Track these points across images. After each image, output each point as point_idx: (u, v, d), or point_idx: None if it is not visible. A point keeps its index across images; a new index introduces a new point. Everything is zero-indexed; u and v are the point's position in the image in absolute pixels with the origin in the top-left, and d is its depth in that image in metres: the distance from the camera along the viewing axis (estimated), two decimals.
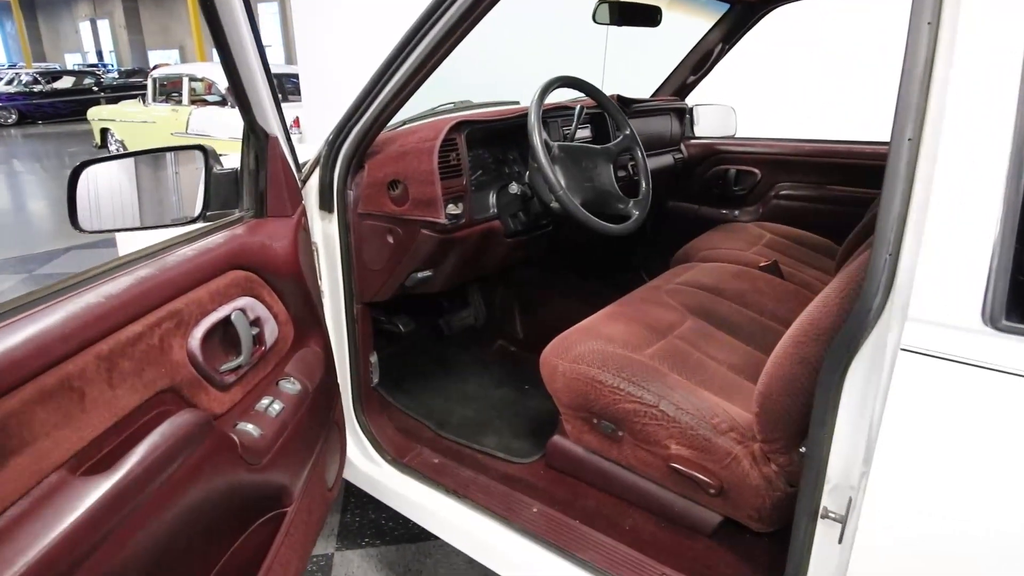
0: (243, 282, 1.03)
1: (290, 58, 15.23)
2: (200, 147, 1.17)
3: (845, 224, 2.32)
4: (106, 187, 1.19)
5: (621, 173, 1.64)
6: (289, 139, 1.23)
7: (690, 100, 2.61)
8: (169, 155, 1.18)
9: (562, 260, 2.46)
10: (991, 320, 0.68)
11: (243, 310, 1.00)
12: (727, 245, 2.13)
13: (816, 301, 0.99)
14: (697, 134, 2.60)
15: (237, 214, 1.17)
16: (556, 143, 1.46)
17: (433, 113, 1.86)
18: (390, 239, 1.43)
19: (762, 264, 1.91)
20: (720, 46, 2.34)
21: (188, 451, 0.78)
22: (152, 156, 1.19)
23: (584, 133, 1.94)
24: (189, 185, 1.18)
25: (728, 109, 2.64)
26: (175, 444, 0.76)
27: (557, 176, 1.37)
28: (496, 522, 1.36)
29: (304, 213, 1.29)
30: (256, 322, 1.05)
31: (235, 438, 0.91)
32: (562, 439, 1.45)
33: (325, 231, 1.44)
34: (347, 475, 1.58)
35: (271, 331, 1.09)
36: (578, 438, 1.37)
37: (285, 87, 6.72)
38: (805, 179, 2.43)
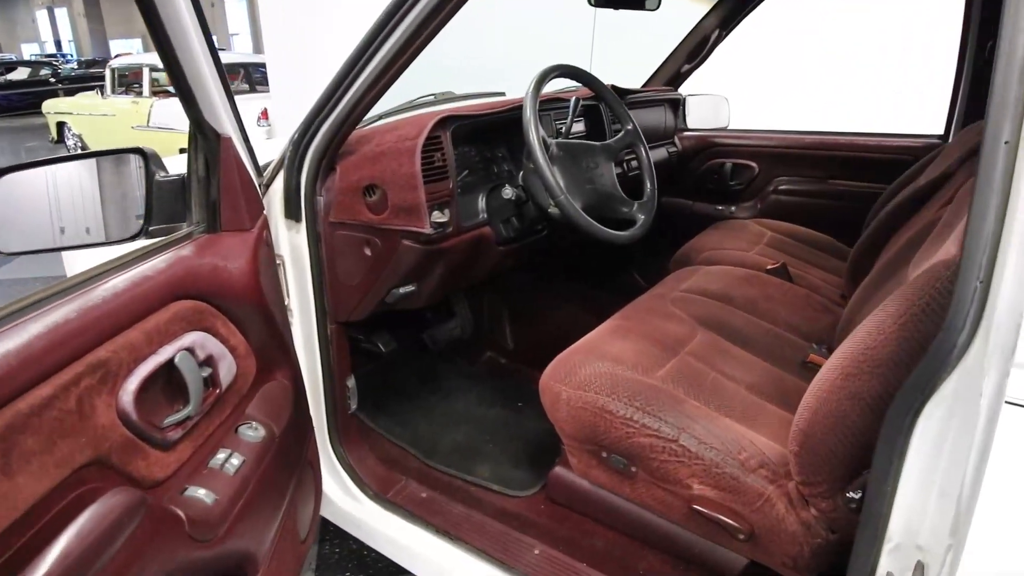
0: (190, 315, 0.86)
1: (259, 47, 14.76)
2: (139, 150, 0.99)
3: (848, 220, 2.21)
4: (28, 200, 1.00)
5: (617, 170, 1.50)
6: (246, 138, 1.05)
7: (682, 90, 2.47)
8: (101, 160, 1.00)
9: (552, 263, 2.31)
10: None
11: (190, 349, 0.83)
12: (729, 245, 2.00)
13: (867, 327, 0.85)
14: (690, 126, 2.47)
15: (185, 230, 0.99)
16: (554, 140, 1.30)
17: (412, 106, 1.69)
18: (367, 251, 1.26)
19: (769, 267, 1.78)
20: (717, 32, 2.19)
21: (113, 546, 0.61)
22: (82, 162, 1.00)
23: (578, 127, 1.78)
24: (127, 196, 1.00)
25: (721, 99, 2.50)
26: (95, 541, 0.59)
27: (556, 178, 1.21)
28: (493, 566, 1.21)
29: (266, 224, 1.11)
30: (208, 361, 0.88)
31: (180, 512, 0.74)
32: (565, 471, 1.31)
33: (292, 242, 1.27)
34: (325, 512, 1.42)
35: (227, 369, 0.92)
36: (585, 472, 1.22)
37: (253, 77, 6.44)
38: (805, 173, 2.31)
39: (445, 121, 1.30)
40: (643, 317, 1.44)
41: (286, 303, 1.32)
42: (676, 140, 2.40)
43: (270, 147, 1.26)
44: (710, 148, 2.44)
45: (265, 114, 5.34)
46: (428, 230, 1.20)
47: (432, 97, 1.77)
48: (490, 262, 1.49)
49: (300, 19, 4.30)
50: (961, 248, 0.80)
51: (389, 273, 1.29)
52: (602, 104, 1.79)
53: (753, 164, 2.38)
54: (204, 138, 0.96)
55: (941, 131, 2.09)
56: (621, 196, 1.41)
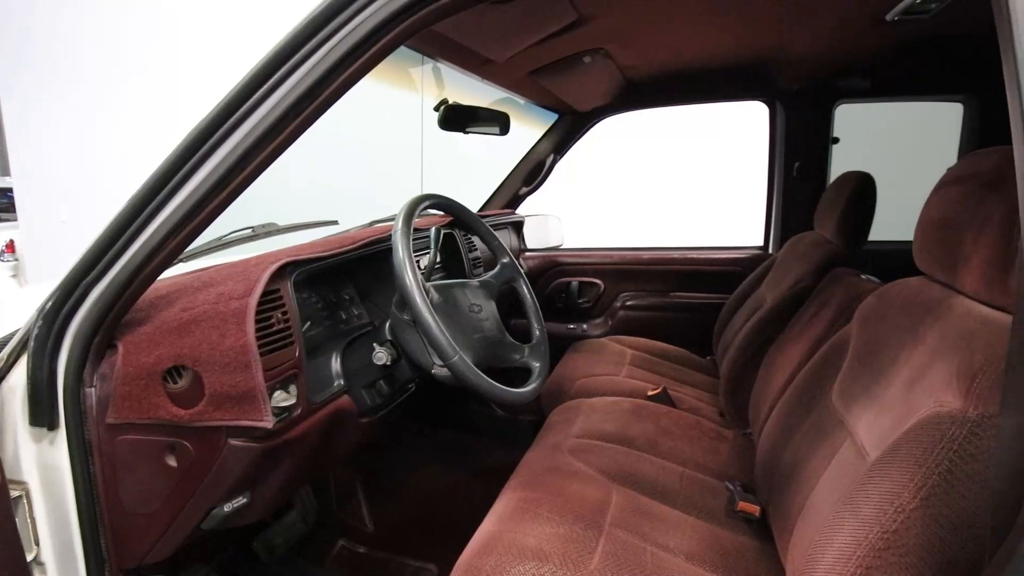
0: None
1: (5, 168, 12.65)
2: None
3: (695, 331, 2.26)
4: None
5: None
6: None
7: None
8: None
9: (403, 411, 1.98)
10: None
11: None
12: (599, 370, 1.88)
13: (879, 502, 0.69)
14: (528, 246, 2.40)
15: None
16: (429, 284, 1.04)
17: (223, 244, 1.33)
18: (172, 461, 0.86)
19: (651, 393, 1.67)
20: (552, 156, 2.19)
21: None
22: None
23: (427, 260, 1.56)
24: None
25: (554, 218, 2.50)
26: None
27: (446, 334, 0.94)
28: None
29: None
30: None
31: None
32: None
33: (43, 460, 0.84)
34: None
35: None
36: None
37: None
38: (649, 287, 2.34)
39: (284, 268, 0.98)
40: (546, 480, 1.19)
41: (31, 556, 0.85)
42: (522, 261, 2.30)
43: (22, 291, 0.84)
44: (554, 267, 2.38)
45: (11, 247, 4.34)
46: (268, 423, 0.84)
47: (250, 231, 1.42)
48: (351, 440, 1.14)
49: (57, 135, 3.61)
50: (967, 398, 0.70)
51: (208, 488, 0.88)
52: (456, 232, 1.60)
53: (598, 281, 2.36)
54: None
55: (761, 242, 2.25)
56: (511, 342, 1.19)
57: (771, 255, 2.01)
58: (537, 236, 2.41)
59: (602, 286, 2.36)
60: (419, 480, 1.79)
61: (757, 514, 1.15)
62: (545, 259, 2.37)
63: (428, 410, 2.09)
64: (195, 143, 0.75)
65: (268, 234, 1.47)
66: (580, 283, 2.37)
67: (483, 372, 1.04)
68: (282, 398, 0.89)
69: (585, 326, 2.39)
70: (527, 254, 2.37)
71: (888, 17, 1.39)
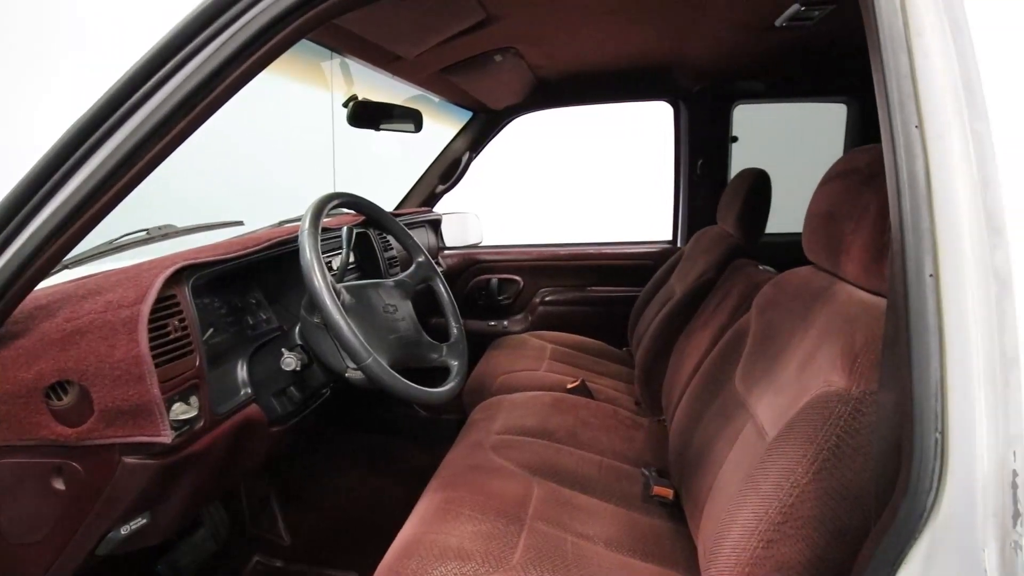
0: None
1: None
2: None
3: (611, 323, 2.32)
4: None
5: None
6: None
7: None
8: None
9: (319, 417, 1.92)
10: None
11: None
12: (519, 366, 1.90)
13: (776, 479, 0.74)
14: (447, 244, 2.39)
15: None
16: (342, 286, 1.01)
17: (113, 248, 1.24)
18: (59, 484, 0.79)
19: (570, 386, 1.71)
20: (468, 154, 2.19)
21: None
22: None
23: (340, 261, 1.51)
24: None
25: (473, 216, 2.50)
26: None
27: (358, 336, 0.92)
28: None
29: None
30: None
31: None
32: None
33: None
34: None
35: None
36: None
37: None
38: (566, 283, 2.38)
39: (181, 273, 0.92)
40: (467, 479, 1.19)
41: None
42: (440, 260, 2.28)
43: None
44: (474, 265, 2.38)
45: None
46: (166, 438, 0.79)
47: (145, 234, 1.33)
48: (261, 451, 1.09)
49: None
50: (850, 377, 0.76)
51: (102, 510, 0.82)
52: (371, 231, 1.57)
53: (517, 278, 2.38)
54: None
55: (670, 236, 2.35)
56: (428, 341, 1.17)
57: (679, 249, 2.10)
58: (456, 234, 2.40)
59: (521, 283, 2.39)
60: (339, 487, 1.74)
61: (671, 497, 1.20)
62: (464, 257, 2.37)
63: (347, 414, 2.03)
64: (76, 139, 0.69)
65: (165, 236, 1.38)
66: (500, 280, 2.38)
67: (400, 373, 1.03)
68: (182, 410, 0.84)
69: (506, 323, 2.41)
70: (446, 252, 2.35)
71: (777, 23, 1.49)
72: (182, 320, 0.89)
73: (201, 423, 0.89)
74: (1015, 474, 0.51)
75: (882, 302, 0.77)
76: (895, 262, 0.57)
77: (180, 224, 1.51)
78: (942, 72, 0.54)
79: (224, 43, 0.67)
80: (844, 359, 0.74)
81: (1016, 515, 0.50)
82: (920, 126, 0.54)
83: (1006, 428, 0.51)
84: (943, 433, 0.53)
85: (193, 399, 0.87)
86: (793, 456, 0.74)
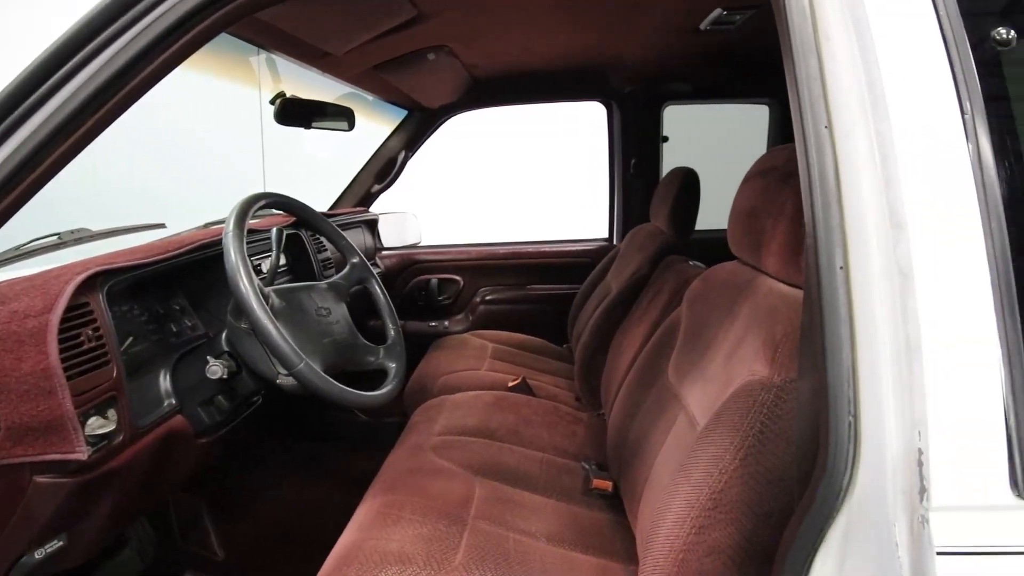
0: None
1: None
2: None
3: (549, 321, 2.35)
4: None
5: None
6: None
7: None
8: None
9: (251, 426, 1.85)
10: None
11: None
12: (460, 366, 1.89)
13: (706, 466, 0.77)
14: (384, 244, 2.35)
15: None
16: (271, 289, 0.98)
17: (20, 255, 1.15)
18: None
19: (511, 384, 1.72)
20: (403, 153, 2.16)
21: None
22: None
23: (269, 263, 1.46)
24: None
25: (410, 216, 2.47)
26: None
27: (288, 340, 0.89)
28: None
29: None
30: None
31: None
32: None
33: None
34: None
35: None
36: None
37: None
38: (506, 281, 2.39)
39: (95, 279, 0.87)
40: (408, 482, 1.18)
41: None
42: (378, 261, 2.25)
43: None
44: (413, 265, 2.36)
45: None
46: (82, 453, 0.75)
47: (56, 238, 1.24)
48: (188, 463, 1.05)
49: None
50: (772, 366, 0.79)
51: (13, 534, 0.77)
52: (303, 232, 1.52)
53: (457, 278, 2.37)
54: None
55: (606, 234, 2.39)
56: (365, 344, 1.15)
57: (615, 246, 2.15)
58: (394, 234, 2.37)
59: (461, 282, 2.38)
60: (275, 498, 1.69)
61: (610, 489, 1.22)
62: (403, 257, 2.34)
63: (283, 422, 1.97)
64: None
65: (79, 241, 1.30)
66: (440, 280, 2.37)
67: (337, 378, 1.00)
68: (99, 425, 0.79)
69: (447, 323, 2.39)
70: (384, 253, 2.32)
71: (702, 27, 1.54)
72: (96, 329, 0.83)
73: (120, 437, 0.84)
74: (920, 452, 0.54)
75: (800, 294, 0.81)
76: (809, 255, 0.60)
77: (96, 228, 1.43)
78: (848, 74, 0.57)
79: (136, 36, 0.64)
80: (766, 349, 0.78)
81: (922, 491, 0.54)
82: (829, 126, 0.57)
83: (911, 411, 0.55)
84: (856, 416, 0.56)
85: (111, 412, 0.82)
86: (721, 444, 0.77)
